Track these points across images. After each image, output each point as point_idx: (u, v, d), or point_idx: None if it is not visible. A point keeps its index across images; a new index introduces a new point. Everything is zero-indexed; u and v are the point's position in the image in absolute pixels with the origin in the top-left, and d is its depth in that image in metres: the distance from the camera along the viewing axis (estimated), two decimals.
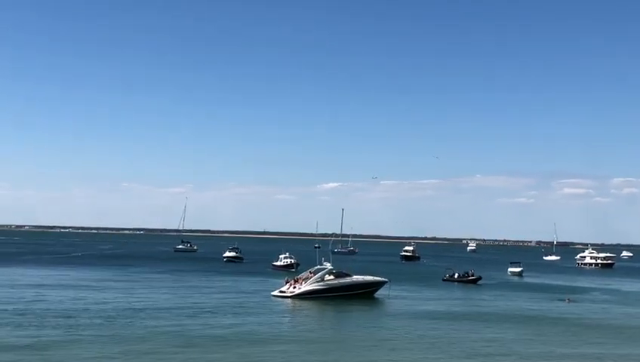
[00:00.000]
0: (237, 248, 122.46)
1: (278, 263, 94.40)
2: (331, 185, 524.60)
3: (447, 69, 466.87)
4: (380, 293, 55.59)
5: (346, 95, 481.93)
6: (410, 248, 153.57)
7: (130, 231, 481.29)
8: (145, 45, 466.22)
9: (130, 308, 42.73)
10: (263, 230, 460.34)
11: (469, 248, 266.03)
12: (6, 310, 39.81)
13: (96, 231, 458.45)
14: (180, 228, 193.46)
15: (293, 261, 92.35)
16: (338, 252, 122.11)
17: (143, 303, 46.00)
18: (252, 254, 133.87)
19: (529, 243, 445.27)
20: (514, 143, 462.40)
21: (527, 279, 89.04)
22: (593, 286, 79.07)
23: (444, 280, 78.12)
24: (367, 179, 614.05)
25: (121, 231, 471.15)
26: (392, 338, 34.50)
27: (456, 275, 78.70)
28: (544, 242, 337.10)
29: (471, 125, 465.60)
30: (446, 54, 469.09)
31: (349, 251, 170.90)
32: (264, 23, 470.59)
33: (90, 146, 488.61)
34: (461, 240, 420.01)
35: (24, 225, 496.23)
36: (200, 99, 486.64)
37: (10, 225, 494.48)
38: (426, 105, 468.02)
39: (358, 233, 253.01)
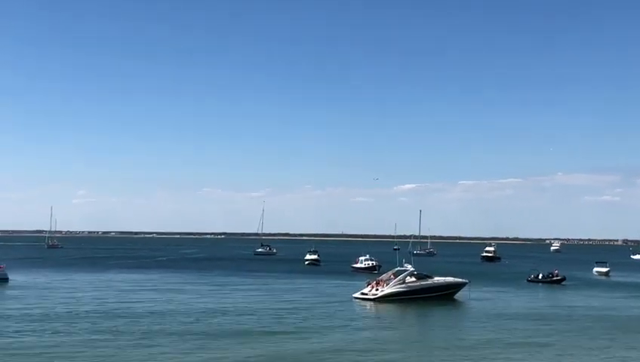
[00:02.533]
0: (316, 250, 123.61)
1: (359, 265, 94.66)
2: (408, 186, 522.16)
3: (523, 65, 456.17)
4: (460, 295, 55.21)
5: (423, 95, 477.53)
6: (491, 249, 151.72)
7: (212, 236, 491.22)
8: (224, 48, 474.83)
9: (214, 310, 43.91)
10: (340, 232, 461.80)
11: (552, 248, 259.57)
12: (99, 311, 41.72)
13: (179, 236, 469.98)
14: (259, 231, 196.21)
15: (375, 263, 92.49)
16: (417, 253, 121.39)
17: (226, 305, 47.11)
18: (330, 256, 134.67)
19: (615, 242, 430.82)
20: (596, 139, 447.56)
21: (615, 278, 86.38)
22: None
23: (528, 280, 76.69)
24: (445, 179, 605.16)
25: (202, 236, 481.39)
26: (485, 340, 34.15)
27: (540, 276, 77.18)
28: (631, 240, 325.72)
29: (549, 122, 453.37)
30: (529, 50, 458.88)
31: (428, 252, 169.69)
32: (366, 25, 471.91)
33: (171, 152, 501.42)
34: (544, 240, 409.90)
35: (110, 232, 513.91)
36: (277, 102, 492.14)
37: (97, 232, 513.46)
38: (502, 102, 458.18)
39: (436, 234, 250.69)
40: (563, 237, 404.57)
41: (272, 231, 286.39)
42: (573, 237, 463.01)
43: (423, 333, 37.43)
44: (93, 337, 32.68)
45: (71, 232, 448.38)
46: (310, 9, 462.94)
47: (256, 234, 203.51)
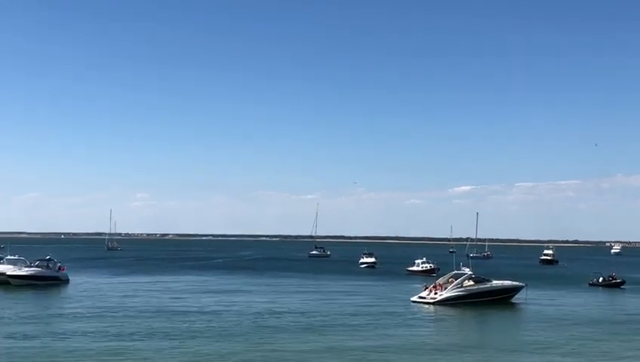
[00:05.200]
0: (371, 253, 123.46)
1: (415, 268, 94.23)
2: (464, 188, 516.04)
3: (579, 65, 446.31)
4: (517, 298, 54.60)
5: (479, 97, 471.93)
6: (550, 252, 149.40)
7: (266, 238, 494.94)
8: (275, 54, 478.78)
9: (271, 311, 44.53)
10: (394, 235, 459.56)
11: (613, 251, 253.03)
12: (161, 311, 42.76)
13: (234, 239, 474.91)
14: (313, 234, 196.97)
15: (433, 266, 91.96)
16: (473, 256, 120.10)
17: (286, 306, 47.73)
18: (385, 259, 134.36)
19: None
20: None
21: None
22: None
23: (590, 284, 75.23)
24: (502, 181, 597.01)
25: (257, 238, 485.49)
26: (546, 344, 33.79)
27: (600, 279, 75.64)
28: None
29: (607, 122, 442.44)
30: (584, 50, 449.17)
31: (485, 256, 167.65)
32: (427, 28, 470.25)
33: (227, 156, 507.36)
34: (604, 242, 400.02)
35: (168, 234, 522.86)
36: (329, 106, 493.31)
37: (155, 234, 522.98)
38: (561, 104, 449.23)
39: (493, 237, 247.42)
40: (624, 240, 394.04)
41: (326, 234, 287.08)
42: (635, 240, 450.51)
43: (483, 337, 37.27)
44: (162, 341, 33.31)
45: (130, 235, 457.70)
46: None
47: (311, 237, 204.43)
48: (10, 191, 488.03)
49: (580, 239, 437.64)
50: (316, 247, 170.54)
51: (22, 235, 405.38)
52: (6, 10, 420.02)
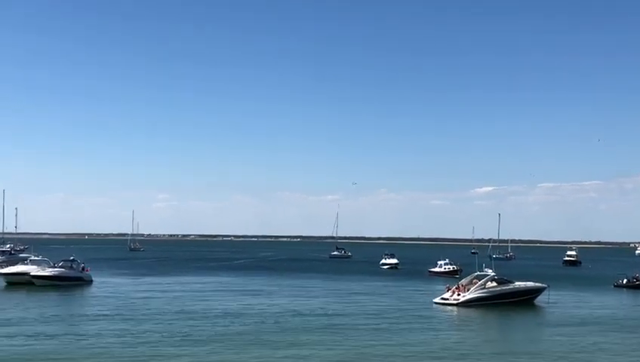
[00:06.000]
0: (393, 254, 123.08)
1: (437, 269, 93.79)
2: (485, 189, 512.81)
3: (600, 66, 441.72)
4: (539, 299, 54.23)
5: (499, 97, 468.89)
6: (573, 253, 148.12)
7: (287, 239, 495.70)
8: (298, 54, 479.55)
9: (295, 312, 44.52)
10: (416, 236, 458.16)
11: (637, 252, 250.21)
12: (183, 312, 42.94)
13: (255, 239, 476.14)
14: (334, 234, 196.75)
15: (456, 267, 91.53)
16: (495, 258, 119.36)
17: (309, 306, 47.72)
18: (406, 260, 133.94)
19: None
20: None
21: None
22: None
23: (615, 286, 74.42)
24: (524, 182, 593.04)
25: (279, 239, 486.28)
26: (570, 349, 33.43)
27: (624, 280, 74.84)
28: None
29: (630, 122, 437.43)
30: (603, 50, 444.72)
31: (507, 257, 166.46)
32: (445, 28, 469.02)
33: (249, 156, 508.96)
34: (628, 243, 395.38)
35: (190, 235, 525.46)
36: (352, 107, 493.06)
37: (177, 235, 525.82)
38: (583, 103, 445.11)
39: (515, 238, 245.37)
40: None
41: (347, 235, 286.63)
42: None
43: (507, 342, 36.86)
44: (187, 345, 33.33)
45: (152, 235, 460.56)
46: None
47: (332, 238, 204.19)
48: (34, 192, 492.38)
49: (603, 240, 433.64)
50: (337, 248, 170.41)
51: (45, 236, 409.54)
52: (62, 16, 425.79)
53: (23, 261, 71.97)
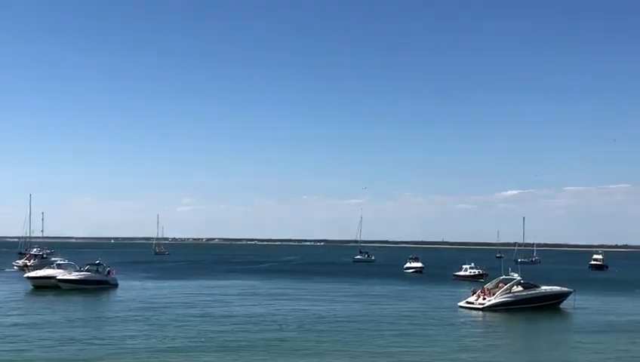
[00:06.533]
0: (417, 258, 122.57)
1: (462, 273, 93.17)
2: (511, 192, 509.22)
3: (622, 69, 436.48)
4: (565, 304, 53.60)
5: (524, 100, 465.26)
6: (599, 257, 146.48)
7: (311, 243, 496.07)
8: (324, 59, 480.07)
9: (320, 316, 44.45)
10: (441, 240, 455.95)
11: None
12: (208, 315, 43.04)
13: (279, 243, 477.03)
14: (358, 238, 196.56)
15: (481, 271, 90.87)
16: (521, 262, 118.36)
17: (334, 311, 47.48)
18: (431, 263, 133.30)
19: None
20: None
21: None
22: None
23: None
24: (550, 186, 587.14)
25: (302, 243, 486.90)
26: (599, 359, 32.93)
27: None
28: None
29: None
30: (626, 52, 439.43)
31: (533, 261, 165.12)
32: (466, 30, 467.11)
33: (272, 160, 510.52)
34: None
35: (214, 238, 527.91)
36: (377, 112, 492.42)
37: (202, 238, 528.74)
38: (609, 106, 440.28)
39: (541, 242, 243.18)
40: None
41: (371, 239, 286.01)
42: None
43: (535, 347, 36.36)
44: (212, 350, 33.37)
45: (176, 239, 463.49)
46: None
47: (355, 241, 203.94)
48: (62, 195, 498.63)
49: (631, 244, 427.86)
50: (361, 252, 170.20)
51: (71, 240, 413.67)
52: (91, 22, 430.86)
53: (50, 264, 72.76)
